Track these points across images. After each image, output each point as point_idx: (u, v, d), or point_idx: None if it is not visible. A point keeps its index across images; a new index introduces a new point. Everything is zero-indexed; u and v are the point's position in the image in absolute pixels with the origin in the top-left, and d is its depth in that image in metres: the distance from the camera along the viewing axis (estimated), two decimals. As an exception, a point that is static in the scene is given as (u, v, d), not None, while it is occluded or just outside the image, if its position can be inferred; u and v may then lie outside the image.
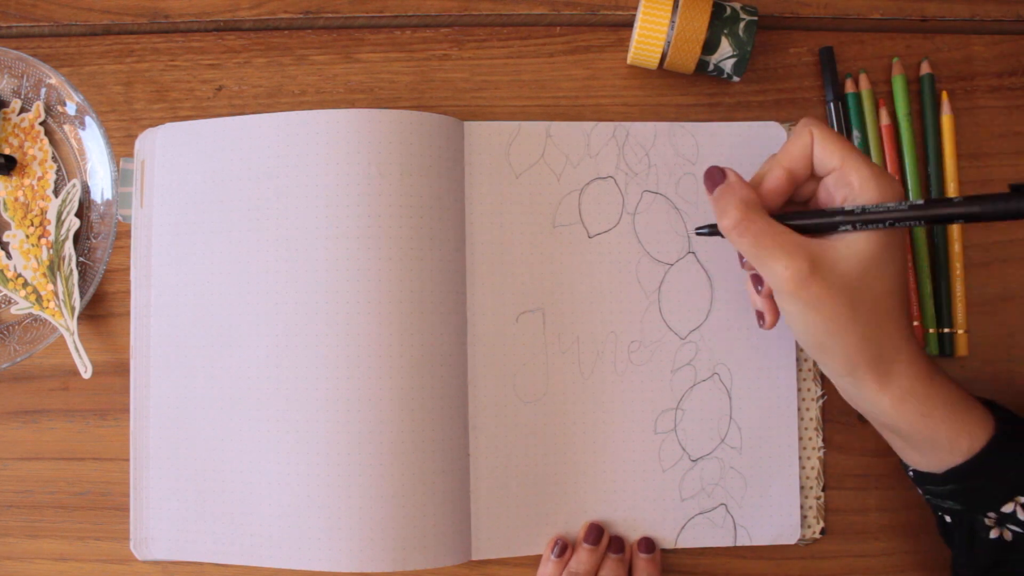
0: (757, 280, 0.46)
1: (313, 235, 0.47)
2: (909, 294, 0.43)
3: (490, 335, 0.50)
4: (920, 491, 0.47)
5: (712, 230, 0.45)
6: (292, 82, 0.53)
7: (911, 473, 0.47)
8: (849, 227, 0.41)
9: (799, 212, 0.43)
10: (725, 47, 0.49)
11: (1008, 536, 0.44)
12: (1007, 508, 0.43)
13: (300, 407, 0.47)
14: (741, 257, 0.47)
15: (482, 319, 0.50)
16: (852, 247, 0.41)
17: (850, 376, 0.43)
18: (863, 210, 0.40)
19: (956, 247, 0.52)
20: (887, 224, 0.40)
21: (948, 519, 0.46)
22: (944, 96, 0.53)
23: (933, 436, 0.43)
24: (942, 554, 0.51)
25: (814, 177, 0.44)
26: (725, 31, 0.49)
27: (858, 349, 0.42)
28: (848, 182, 0.42)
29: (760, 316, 0.47)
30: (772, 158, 0.44)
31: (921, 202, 0.40)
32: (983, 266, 0.52)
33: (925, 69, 0.53)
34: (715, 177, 0.44)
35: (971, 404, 0.43)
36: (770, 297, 0.46)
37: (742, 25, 0.49)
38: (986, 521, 0.44)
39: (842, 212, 0.41)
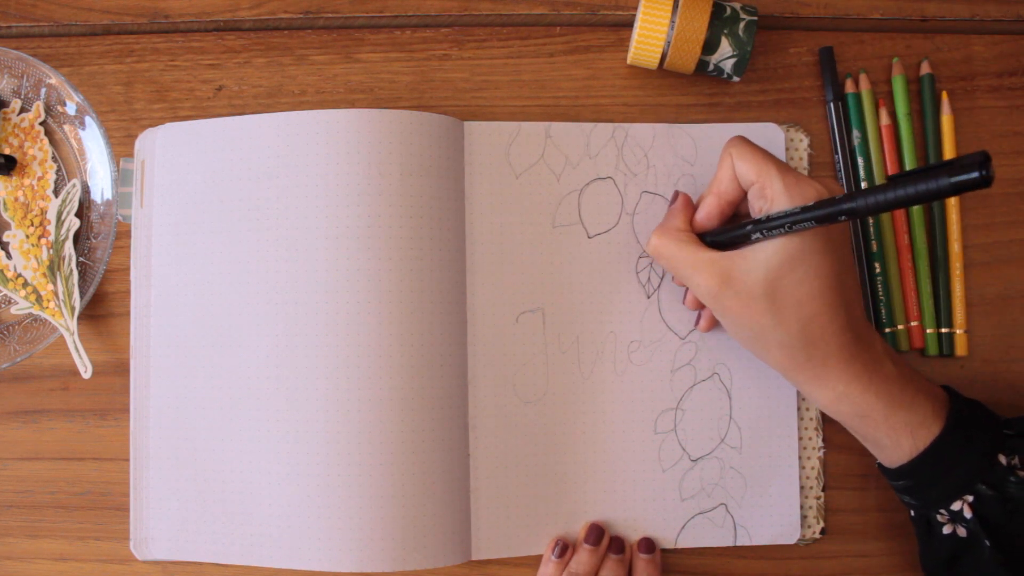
0: (687, 291, 0.50)
1: (313, 235, 0.47)
2: (848, 295, 0.43)
3: (490, 335, 0.50)
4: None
5: None
6: (292, 82, 0.53)
7: (878, 465, 0.47)
8: (759, 235, 0.42)
9: (716, 229, 0.46)
10: (725, 47, 0.49)
11: (962, 532, 0.44)
12: (956, 506, 0.43)
13: (300, 407, 0.47)
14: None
15: (482, 319, 0.50)
16: (760, 256, 0.42)
17: (784, 376, 0.45)
18: (767, 217, 0.42)
19: (956, 247, 0.52)
20: (787, 228, 0.41)
21: (912, 512, 0.47)
22: (944, 96, 0.53)
23: (874, 435, 0.44)
24: (942, 554, 0.51)
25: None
26: (725, 31, 0.49)
27: (784, 354, 0.44)
28: (764, 194, 0.43)
29: (698, 319, 0.51)
30: (708, 188, 0.47)
31: (811, 203, 0.40)
32: (983, 266, 0.53)
33: (925, 69, 0.53)
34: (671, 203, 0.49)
35: (919, 402, 0.43)
36: (701, 305, 0.49)
37: (742, 25, 0.49)
38: (939, 518, 0.44)
39: (752, 222, 0.43)
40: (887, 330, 0.52)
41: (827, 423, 0.51)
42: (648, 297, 0.51)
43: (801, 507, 0.51)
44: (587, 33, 0.53)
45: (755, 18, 0.49)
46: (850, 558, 0.51)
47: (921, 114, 0.53)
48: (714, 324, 0.50)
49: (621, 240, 0.51)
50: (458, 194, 0.50)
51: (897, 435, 0.43)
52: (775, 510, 0.50)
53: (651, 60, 0.50)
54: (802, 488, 0.51)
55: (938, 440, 0.43)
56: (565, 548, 0.49)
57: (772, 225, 0.41)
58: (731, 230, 0.44)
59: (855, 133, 0.52)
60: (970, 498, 0.43)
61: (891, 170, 0.52)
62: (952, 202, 0.52)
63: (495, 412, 0.50)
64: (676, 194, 0.49)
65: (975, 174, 0.32)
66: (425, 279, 0.48)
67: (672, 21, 0.49)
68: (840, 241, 0.43)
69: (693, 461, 0.50)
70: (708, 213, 0.46)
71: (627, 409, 0.50)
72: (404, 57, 0.53)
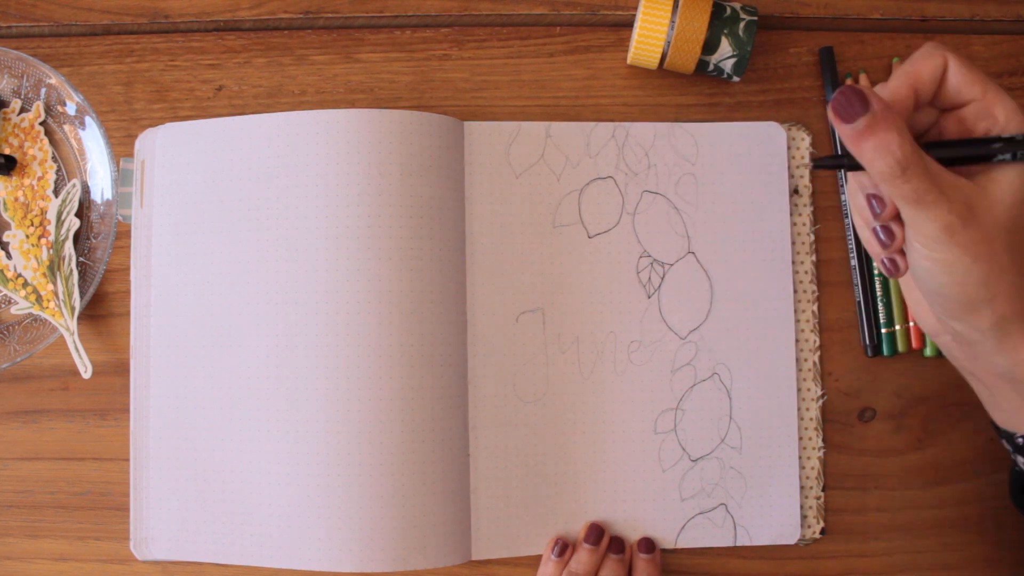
0: (879, 217, 0.40)
1: (313, 235, 0.47)
2: None
3: (490, 335, 0.50)
4: (1002, 442, 0.44)
5: (835, 162, 0.39)
6: (292, 82, 0.53)
7: (993, 424, 0.44)
8: (1008, 156, 0.36)
9: (946, 141, 0.38)
10: (725, 47, 0.49)
11: None
12: None
13: (300, 407, 0.47)
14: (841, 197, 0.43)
15: (482, 319, 0.50)
16: (1009, 186, 0.37)
17: (994, 330, 0.38)
18: None
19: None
20: None
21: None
22: (944, 96, 0.53)
23: None
24: (942, 554, 0.51)
25: (930, 107, 0.39)
26: (725, 31, 0.49)
27: (1009, 299, 0.37)
28: (992, 114, 0.38)
29: (892, 264, 0.41)
30: (896, 74, 0.38)
31: None
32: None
33: (925, 69, 0.53)
34: (852, 104, 0.35)
35: None
36: (900, 249, 0.40)
37: (742, 25, 0.49)
38: None
39: (1000, 140, 0.37)
40: (887, 330, 0.51)
41: (827, 423, 0.51)
42: (648, 297, 0.51)
43: (801, 507, 0.51)
44: (587, 33, 0.53)
45: (755, 18, 0.49)
46: (850, 558, 0.51)
47: (921, 114, 0.53)
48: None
49: (621, 240, 0.51)
50: (458, 194, 0.50)
51: None
52: (775, 510, 0.50)
53: (651, 60, 0.50)
54: (802, 488, 0.51)
55: None
56: (565, 548, 0.49)
57: None
58: (970, 144, 0.38)
59: (855, 133, 0.52)
60: None
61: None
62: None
63: (495, 412, 0.50)
64: (855, 96, 0.35)
65: None
66: (425, 279, 0.48)
67: (672, 21, 0.49)
68: None
69: (693, 461, 0.50)
70: (899, 109, 0.38)
71: (627, 409, 0.50)
72: (404, 57, 0.53)
